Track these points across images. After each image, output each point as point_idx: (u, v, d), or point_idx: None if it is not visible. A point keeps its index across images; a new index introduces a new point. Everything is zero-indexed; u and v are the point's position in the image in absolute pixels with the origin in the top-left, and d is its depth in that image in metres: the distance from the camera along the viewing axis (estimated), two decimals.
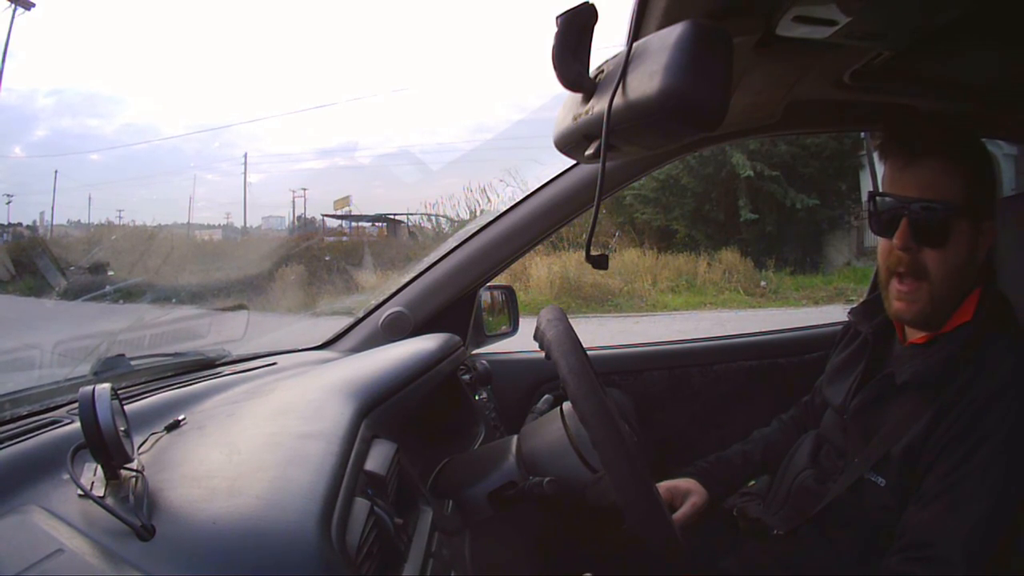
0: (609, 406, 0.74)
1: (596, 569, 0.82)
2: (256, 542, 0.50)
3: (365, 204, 12.33)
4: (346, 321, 1.35)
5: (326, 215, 12.33)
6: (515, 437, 0.95)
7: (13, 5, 7.35)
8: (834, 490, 0.89)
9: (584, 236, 1.51)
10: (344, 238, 11.63)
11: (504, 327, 1.47)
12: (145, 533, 0.49)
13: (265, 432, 0.69)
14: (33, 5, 7.70)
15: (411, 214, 11.20)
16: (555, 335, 0.80)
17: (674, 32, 0.57)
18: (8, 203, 11.91)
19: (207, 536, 0.50)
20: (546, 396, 1.23)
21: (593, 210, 0.69)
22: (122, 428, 0.56)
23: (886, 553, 0.80)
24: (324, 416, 0.74)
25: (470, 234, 1.34)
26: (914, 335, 0.90)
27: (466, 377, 1.25)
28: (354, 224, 12.02)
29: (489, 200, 9.69)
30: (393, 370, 0.94)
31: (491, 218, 1.35)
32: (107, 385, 0.55)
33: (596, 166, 0.63)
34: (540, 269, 8.44)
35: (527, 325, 1.06)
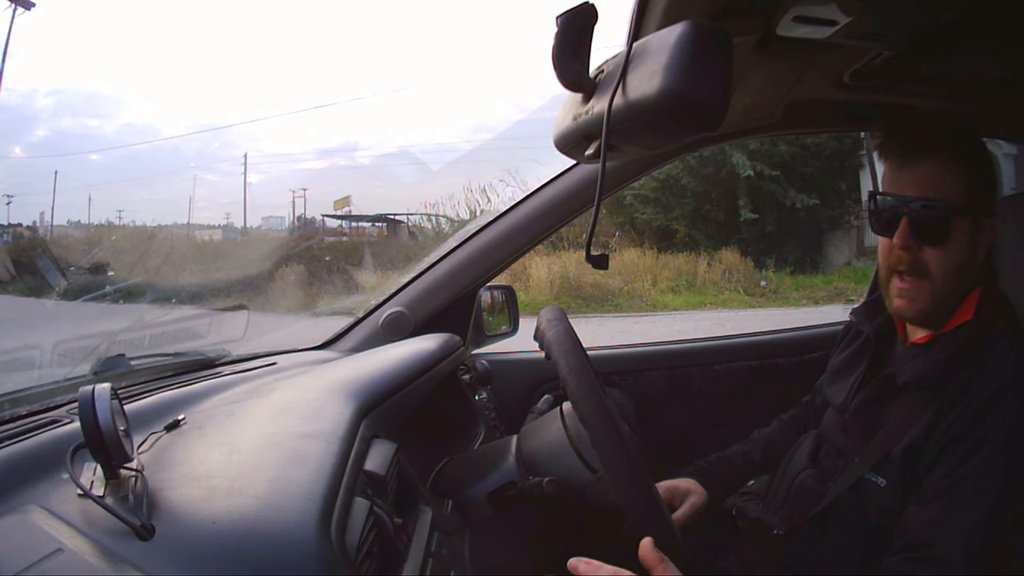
0: (609, 406, 0.73)
1: None
2: (256, 542, 0.50)
3: (365, 204, 12.36)
4: (346, 321, 1.35)
5: (326, 215, 12.37)
6: (515, 437, 0.95)
7: (13, 5, 7.36)
8: (834, 490, 0.89)
9: (584, 236, 1.51)
10: (344, 238, 11.64)
11: (504, 327, 1.48)
12: (145, 533, 0.49)
13: (265, 432, 0.69)
14: (33, 5, 7.72)
15: (411, 214, 11.24)
16: (555, 335, 0.80)
17: (674, 32, 0.57)
18: (8, 203, 11.95)
19: (207, 536, 0.50)
20: (546, 396, 1.23)
21: (593, 210, 0.69)
22: (122, 428, 0.56)
23: (886, 553, 0.80)
24: (324, 416, 0.74)
25: (470, 234, 1.34)
26: (915, 335, 0.90)
27: (466, 377, 1.25)
28: (354, 224, 12.04)
29: (489, 200, 9.72)
30: (393, 370, 0.94)
31: (491, 218, 1.35)
32: (107, 385, 0.55)
33: (596, 166, 0.63)
34: (540, 269, 8.45)
35: (527, 325, 1.06)
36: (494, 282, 1.42)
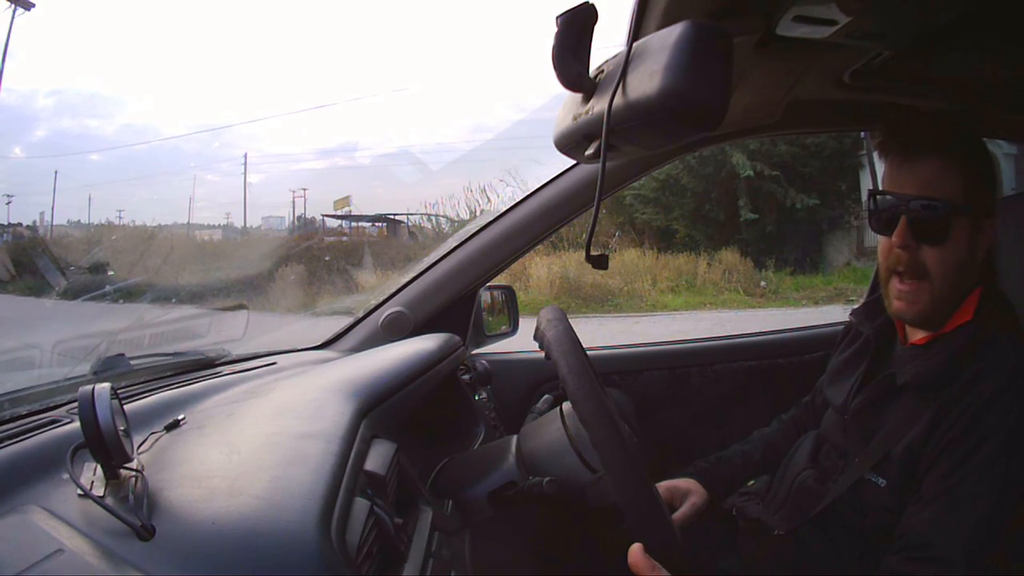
0: (609, 406, 0.73)
1: (596, 569, 0.82)
2: (256, 542, 0.50)
3: (365, 204, 12.35)
4: (346, 321, 1.35)
5: (326, 215, 12.34)
6: (515, 437, 0.95)
7: (13, 5, 7.36)
8: (834, 490, 0.89)
9: (584, 236, 1.51)
10: (344, 238, 11.63)
11: (504, 327, 1.48)
12: (145, 533, 0.49)
13: (265, 432, 0.69)
14: (33, 5, 7.70)
15: (411, 214, 11.23)
16: (555, 335, 0.80)
17: (674, 32, 0.57)
18: (8, 203, 11.91)
19: (207, 536, 0.50)
20: (546, 396, 1.23)
21: (593, 210, 0.69)
22: (122, 428, 0.56)
23: (886, 553, 0.80)
24: (324, 416, 0.74)
25: (470, 234, 1.34)
26: (915, 335, 0.90)
27: (466, 377, 1.25)
28: (354, 224, 12.03)
29: (489, 200, 9.71)
30: (393, 370, 0.94)
31: (491, 218, 1.35)
32: (107, 385, 0.55)
33: (596, 166, 0.63)
34: (540, 269, 8.45)
35: (527, 325, 1.06)
36: (494, 282, 1.42)
